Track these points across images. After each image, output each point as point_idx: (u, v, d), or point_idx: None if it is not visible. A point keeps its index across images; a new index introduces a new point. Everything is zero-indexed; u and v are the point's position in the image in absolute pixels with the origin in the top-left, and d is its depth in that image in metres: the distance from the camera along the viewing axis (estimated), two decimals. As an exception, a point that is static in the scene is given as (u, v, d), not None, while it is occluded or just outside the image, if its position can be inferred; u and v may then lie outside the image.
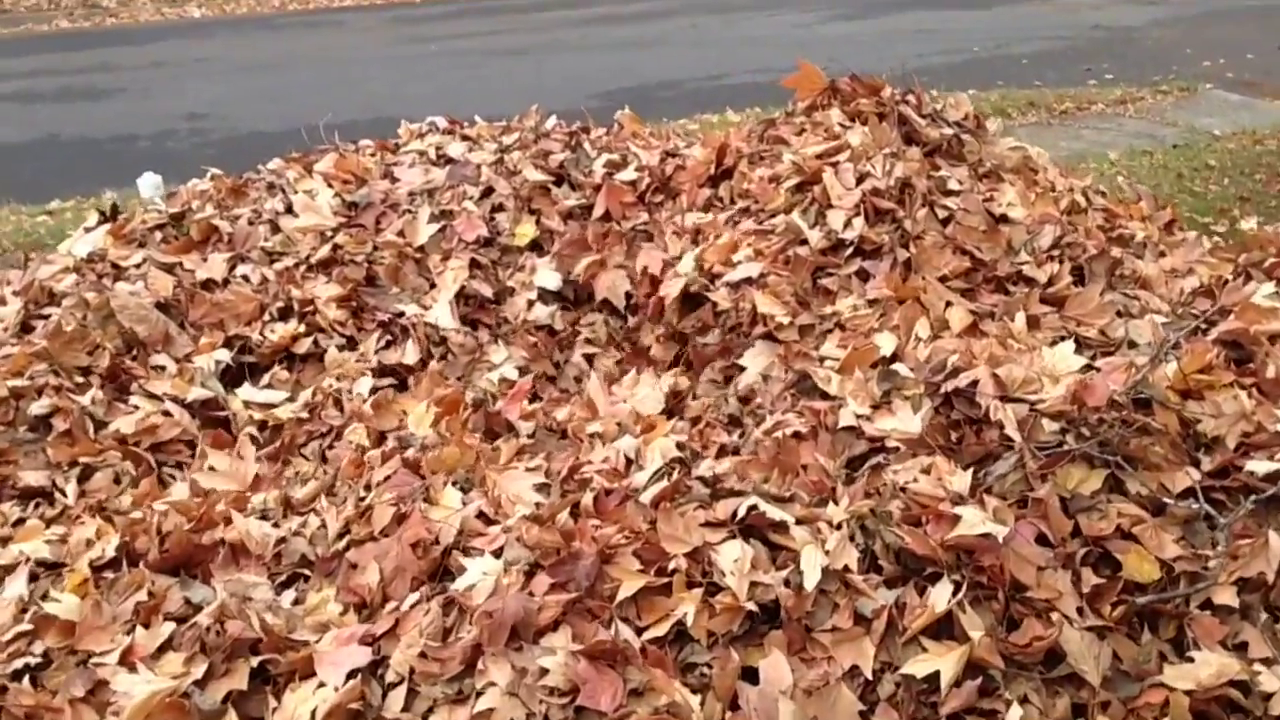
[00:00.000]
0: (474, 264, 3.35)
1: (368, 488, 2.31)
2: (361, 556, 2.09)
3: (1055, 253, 2.87)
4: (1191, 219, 4.98)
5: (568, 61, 10.64)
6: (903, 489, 2.17)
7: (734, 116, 7.45)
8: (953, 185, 3.03)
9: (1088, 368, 2.46)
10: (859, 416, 2.37)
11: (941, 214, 2.93)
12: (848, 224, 2.83)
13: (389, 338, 3.13)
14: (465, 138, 3.91)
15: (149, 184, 7.44)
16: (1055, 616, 1.94)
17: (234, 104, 9.18)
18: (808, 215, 2.91)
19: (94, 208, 6.83)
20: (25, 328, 3.10)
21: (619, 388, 2.76)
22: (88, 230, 3.54)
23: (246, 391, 2.81)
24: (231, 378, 2.98)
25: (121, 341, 2.98)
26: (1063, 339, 2.58)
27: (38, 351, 2.82)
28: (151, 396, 2.75)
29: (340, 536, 2.18)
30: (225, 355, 2.96)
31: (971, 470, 2.19)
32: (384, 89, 9.57)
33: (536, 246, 3.49)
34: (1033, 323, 2.64)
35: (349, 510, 2.24)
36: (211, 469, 2.46)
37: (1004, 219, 2.95)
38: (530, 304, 3.26)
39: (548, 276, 3.33)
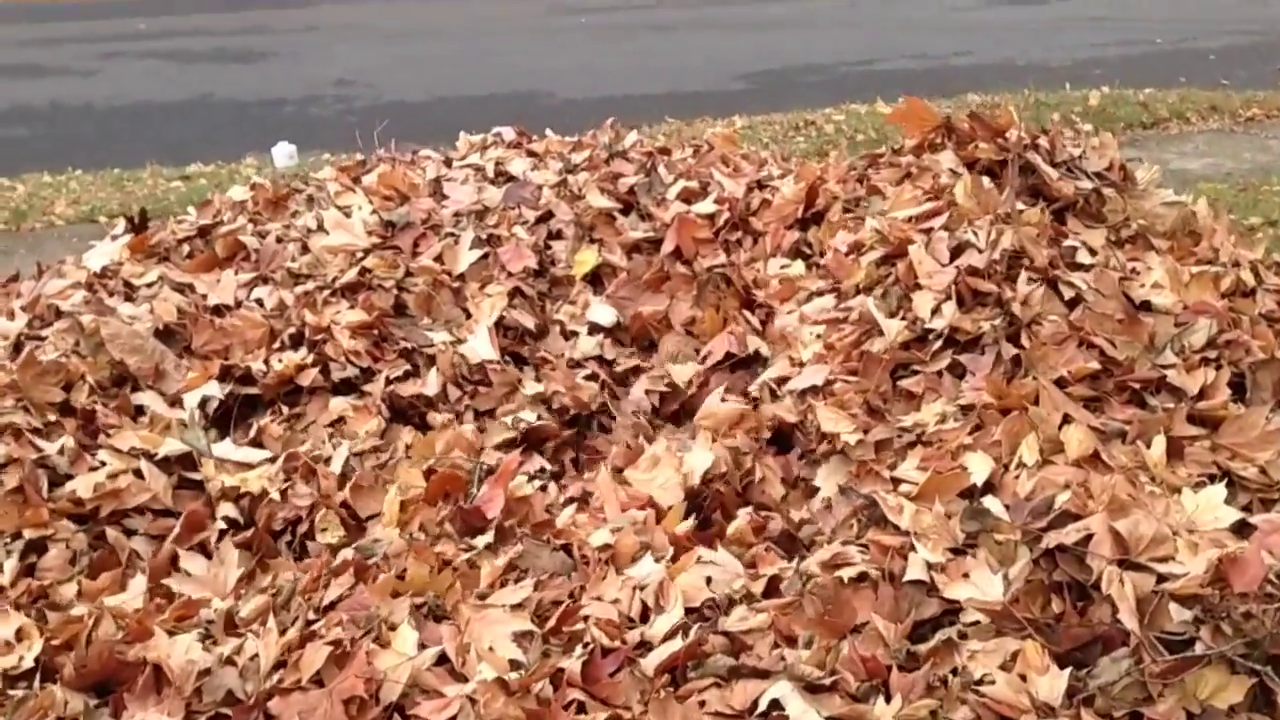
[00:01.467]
0: (517, 293, 2.93)
1: (319, 610, 1.92)
2: (284, 710, 1.69)
3: (1211, 354, 2.29)
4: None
5: (713, 40, 10.21)
6: (976, 685, 1.67)
7: (884, 108, 6.89)
8: (1082, 258, 2.47)
9: (1242, 526, 1.91)
10: (931, 566, 1.87)
11: (1066, 293, 2.38)
12: (936, 310, 2.30)
13: (408, 367, 2.74)
14: (531, 153, 3.49)
15: (283, 153, 7.30)
16: None
17: (380, 72, 9.05)
18: (889, 299, 2.39)
19: (231, 174, 6.82)
20: (20, 350, 2.81)
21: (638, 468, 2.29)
22: (113, 238, 3.24)
23: (224, 448, 2.44)
24: (231, 415, 2.63)
25: (110, 374, 2.66)
26: (1211, 479, 2.03)
27: (10, 384, 2.51)
28: (121, 453, 2.41)
29: (274, 671, 1.79)
30: (216, 390, 2.60)
31: (1070, 669, 1.68)
32: (526, 61, 9.34)
33: (596, 281, 3.05)
34: (1174, 450, 2.08)
35: (293, 635, 1.86)
36: (187, 574, 2.11)
37: (1146, 305, 2.39)
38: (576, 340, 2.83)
39: (602, 312, 2.88)
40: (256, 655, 1.82)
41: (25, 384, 2.48)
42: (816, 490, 2.27)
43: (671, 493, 2.24)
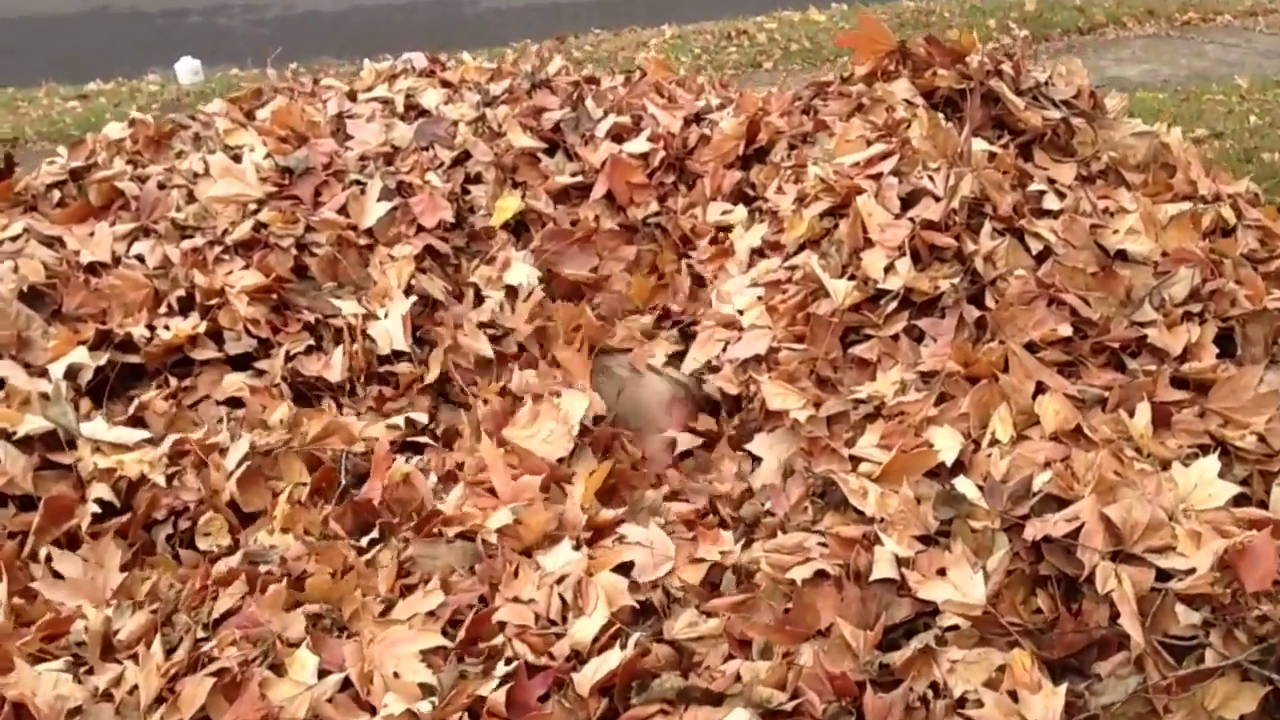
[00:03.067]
0: (430, 253, 2.64)
1: (207, 626, 1.66)
2: None
3: (1194, 307, 2.10)
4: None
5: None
6: (960, 708, 1.47)
7: (817, 15, 6.61)
8: (1049, 203, 2.25)
9: (1242, 499, 1.73)
10: (901, 562, 1.66)
11: (1034, 246, 2.16)
12: (890, 268, 2.07)
13: (311, 341, 2.46)
14: (445, 83, 3.17)
15: (187, 69, 6.78)
16: None
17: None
18: (835, 256, 2.14)
19: (132, 92, 6.30)
20: None
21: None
22: (-28, 184, 2.87)
23: (95, 427, 2.13)
24: (107, 388, 2.32)
25: (-34, 344, 2.33)
26: (1204, 449, 1.84)
27: None
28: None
29: (154, 708, 1.54)
30: (86, 358, 2.29)
31: (1065, 685, 1.49)
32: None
33: (520, 228, 2.78)
34: (1161, 419, 1.89)
35: (180, 658, 1.60)
36: (57, 575, 1.81)
37: (1121, 255, 2.18)
38: (493, 307, 2.55)
39: (522, 271, 2.60)
40: (136, 688, 1.56)
41: None
42: (758, 462, 2.04)
43: (559, 445, 2.02)
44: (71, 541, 1.96)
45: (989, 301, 2.07)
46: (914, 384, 1.94)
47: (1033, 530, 1.64)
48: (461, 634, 1.59)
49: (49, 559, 1.89)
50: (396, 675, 1.52)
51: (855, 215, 2.16)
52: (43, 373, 2.30)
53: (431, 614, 1.64)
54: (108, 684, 1.58)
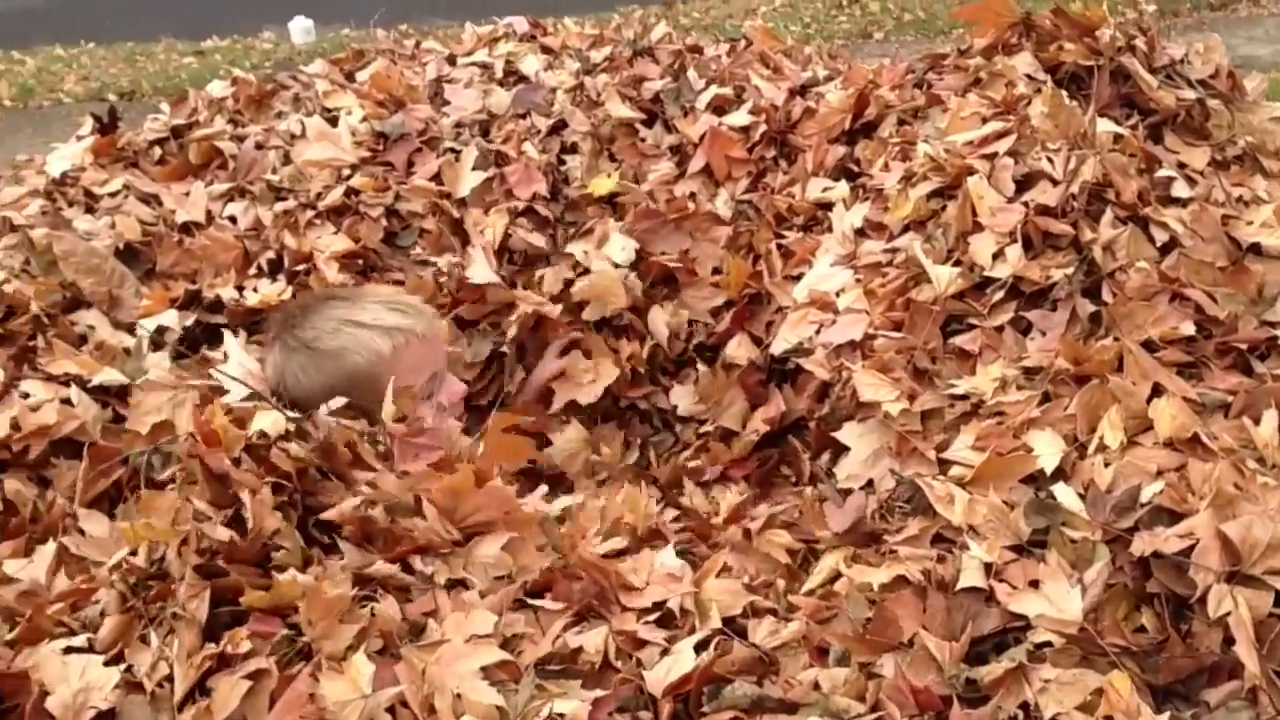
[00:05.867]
0: (527, 214, 2.59)
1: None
2: None
3: (1331, 310, 1.93)
4: None
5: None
6: (1049, 732, 1.37)
7: None
8: (1179, 190, 2.09)
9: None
10: (990, 570, 1.56)
11: (1159, 236, 2.01)
12: (999, 254, 1.94)
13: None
14: (546, 49, 3.11)
15: (299, 28, 6.87)
16: None
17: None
18: (940, 239, 2.02)
19: (246, 50, 6.37)
20: (-36, 269, 2.52)
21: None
22: (79, 139, 2.91)
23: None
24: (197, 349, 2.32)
25: (61, 298, 2.35)
26: (1336, 468, 1.69)
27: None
28: (54, 379, 2.09)
29: (186, 702, 1.46)
30: (174, 320, 2.30)
31: (1168, 713, 1.37)
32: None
33: (614, 203, 2.70)
34: (1289, 431, 1.74)
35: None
36: (80, 531, 1.79)
37: (1255, 248, 2.02)
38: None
39: (619, 244, 2.53)
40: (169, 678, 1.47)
41: (-44, 311, 2.18)
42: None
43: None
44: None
45: (1105, 295, 1.93)
46: (1016, 380, 1.81)
47: (1140, 544, 1.52)
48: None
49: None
50: (459, 696, 1.44)
51: (965, 197, 2.03)
52: (130, 329, 2.31)
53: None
54: (146, 671, 1.49)
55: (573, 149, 2.76)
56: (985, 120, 2.26)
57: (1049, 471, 1.67)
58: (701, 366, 2.38)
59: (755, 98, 2.79)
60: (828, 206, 2.46)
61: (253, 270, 2.47)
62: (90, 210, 2.59)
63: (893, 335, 1.94)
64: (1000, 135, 2.19)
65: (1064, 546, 1.58)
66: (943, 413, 1.80)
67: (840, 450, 1.94)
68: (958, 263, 2.00)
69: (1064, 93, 2.26)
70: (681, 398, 2.38)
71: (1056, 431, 1.73)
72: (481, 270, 2.42)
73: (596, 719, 1.41)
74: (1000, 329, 1.90)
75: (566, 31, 3.20)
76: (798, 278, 2.33)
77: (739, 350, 2.32)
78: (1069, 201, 2.01)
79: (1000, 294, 1.92)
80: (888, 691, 1.44)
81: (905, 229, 2.14)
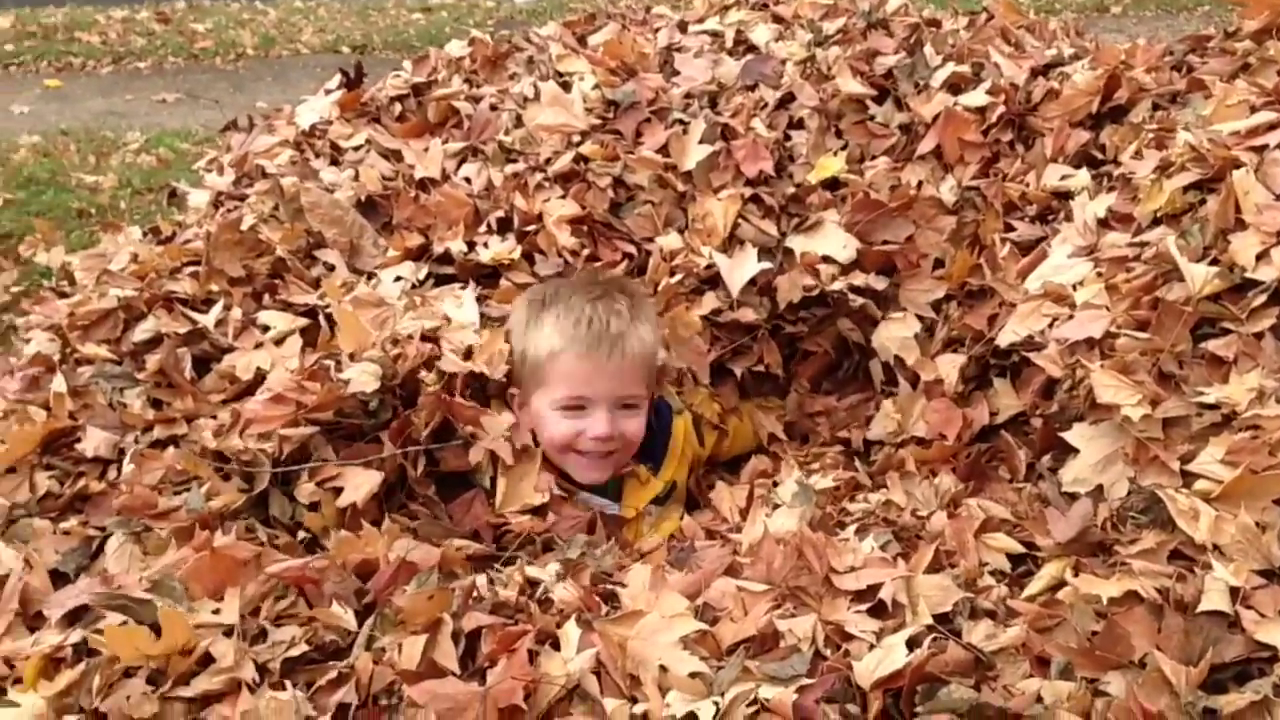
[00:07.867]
0: (754, 201, 2.56)
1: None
2: (419, 694, 1.45)
3: None
4: None
5: None
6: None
7: None
8: None
9: None
10: (1235, 593, 1.46)
11: None
12: (1264, 255, 1.80)
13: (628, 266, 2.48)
14: (778, 19, 3.06)
15: None
16: None
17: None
18: (1197, 235, 1.89)
19: (470, 8, 6.56)
20: (218, 209, 2.69)
21: None
22: (327, 92, 3.05)
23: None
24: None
25: (304, 244, 2.49)
26: None
27: (192, 251, 2.36)
28: (291, 308, 2.21)
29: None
30: (409, 271, 2.40)
31: None
32: None
33: (838, 183, 2.64)
34: None
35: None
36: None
37: None
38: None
39: (839, 240, 2.47)
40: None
41: (210, 252, 2.32)
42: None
43: None
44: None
45: (1383, 304, 1.77)
46: (1276, 393, 1.69)
47: None
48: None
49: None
50: (664, 669, 1.45)
51: (1228, 191, 1.89)
52: (369, 277, 2.42)
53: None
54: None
55: (799, 124, 2.71)
56: (1254, 109, 2.09)
57: (1310, 494, 1.55)
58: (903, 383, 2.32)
59: (994, 76, 2.67)
60: (1064, 196, 2.35)
61: (482, 228, 2.54)
62: (335, 162, 2.73)
63: (1137, 335, 1.83)
64: (1271, 126, 2.02)
65: (1321, 579, 1.47)
66: (1189, 421, 1.69)
67: (1065, 451, 1.86)
68: (1215, 261, 1.86)
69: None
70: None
71: (1321, 453, 1.60)
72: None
73: (803, 707, 1.40)
74: (1260, 336, 1.77)
75: (800, 1, 3.14)
76: (1025, 272, 2.23)
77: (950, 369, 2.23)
78: (1345, 203, 1.85)
79: (1263, 298, 1.78)
80: (1116, 712, 1.37)
81: (1156, 222, 2.01)
